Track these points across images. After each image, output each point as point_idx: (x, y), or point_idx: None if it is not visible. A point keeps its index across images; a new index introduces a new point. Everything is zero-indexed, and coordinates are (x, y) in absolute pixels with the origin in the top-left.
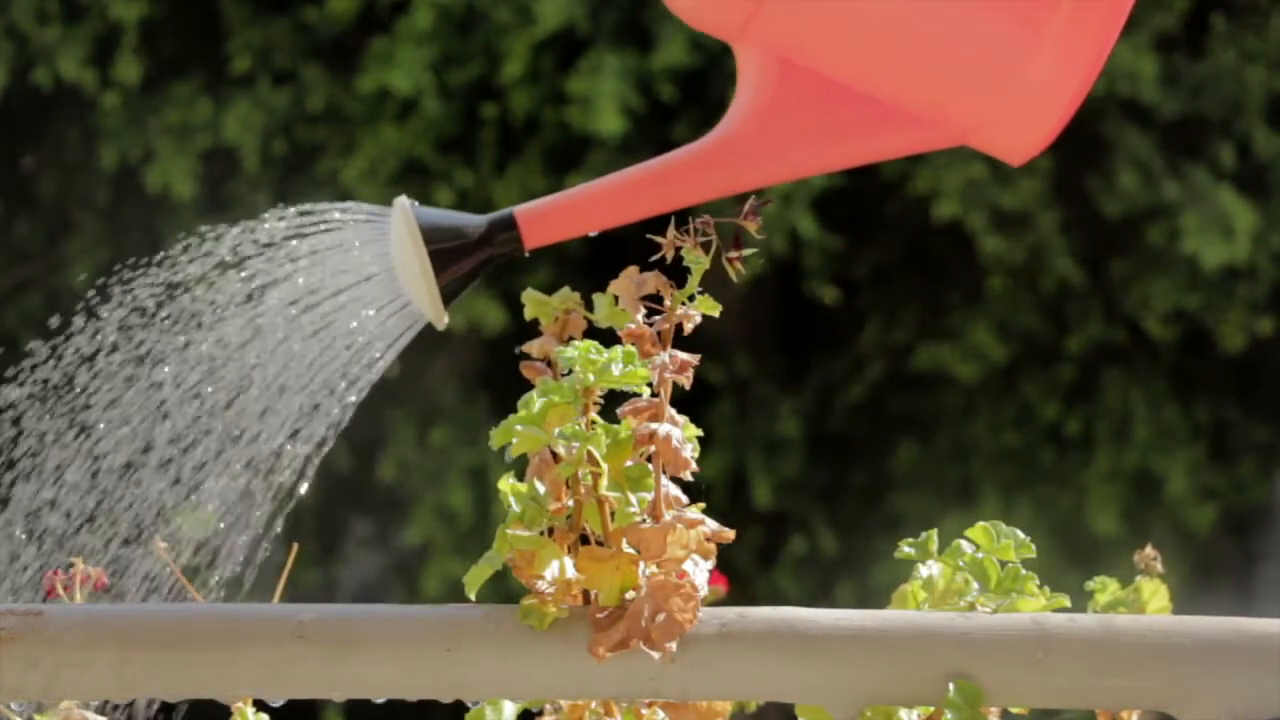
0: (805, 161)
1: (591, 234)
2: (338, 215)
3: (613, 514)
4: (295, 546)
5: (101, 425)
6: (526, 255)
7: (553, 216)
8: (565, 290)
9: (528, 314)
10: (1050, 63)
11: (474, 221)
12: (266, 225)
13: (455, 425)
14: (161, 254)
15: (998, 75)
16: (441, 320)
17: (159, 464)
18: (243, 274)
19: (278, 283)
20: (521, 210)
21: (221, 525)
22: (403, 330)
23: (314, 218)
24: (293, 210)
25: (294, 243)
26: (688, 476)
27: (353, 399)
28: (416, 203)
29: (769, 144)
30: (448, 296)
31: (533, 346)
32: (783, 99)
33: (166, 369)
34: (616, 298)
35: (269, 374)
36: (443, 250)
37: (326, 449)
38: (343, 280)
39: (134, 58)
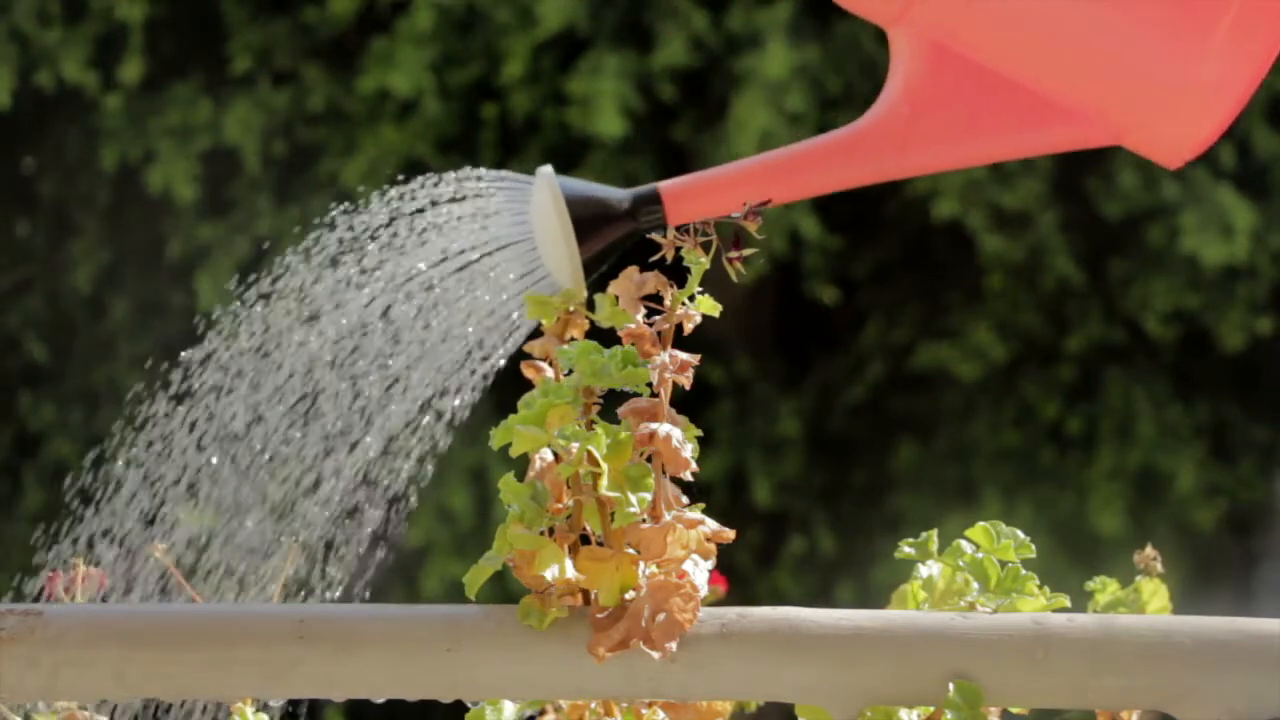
0: (954, 152)
1: (734, 215)
2: (481, 183)
3: (612, 514)
4: (294, 546)
5: (267, 386)
6: (669, 231)
7: (697, 194)
8: (566, 290)
9: (529, 314)
10: (1216, 66)
11: (618, 195)
12: (412, 191)
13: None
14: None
15: (1163, 75)
16: (581, 294)
17: (311, 421)
18: (387, 240)
19: (419, 249)
20: (666, 186)
21: (364, 479)
22: None
23: (457, 185)
24: (439, 177)
25: (436, 209)
26: (687, 476)
27: (489, 369)
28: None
29: (919, 133)
30: (589, 269)
31: (534, 346)
32: (936, 87)
33: (319, 331)
34: (617, 298)
35: (408, 340)
36: (586, 221)
37: (461, 417)
38: (482, 248)
39: (139, 58)
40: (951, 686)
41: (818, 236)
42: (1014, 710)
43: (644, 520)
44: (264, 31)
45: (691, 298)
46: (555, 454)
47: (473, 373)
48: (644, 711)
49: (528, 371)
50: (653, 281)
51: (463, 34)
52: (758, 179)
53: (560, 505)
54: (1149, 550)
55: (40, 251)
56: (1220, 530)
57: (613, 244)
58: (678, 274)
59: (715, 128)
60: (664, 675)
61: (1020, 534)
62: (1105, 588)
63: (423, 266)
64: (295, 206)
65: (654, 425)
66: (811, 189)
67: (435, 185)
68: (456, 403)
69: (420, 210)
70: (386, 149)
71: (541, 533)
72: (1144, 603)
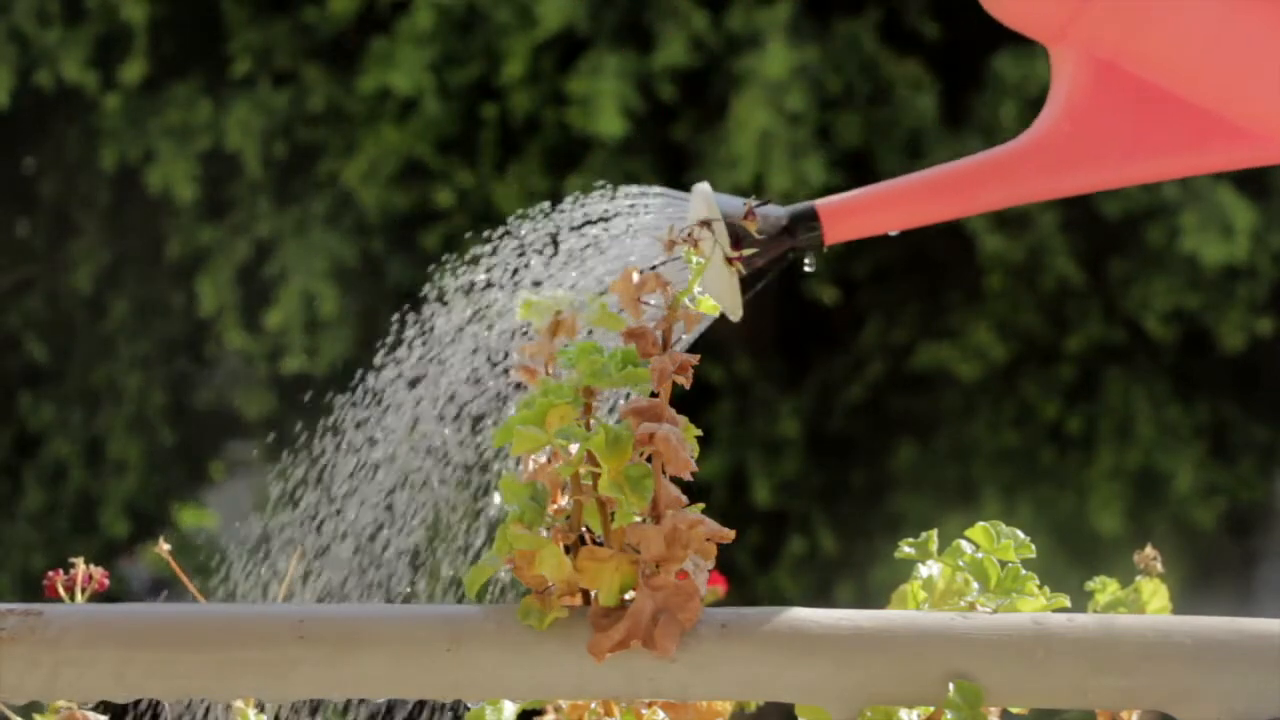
0: (1118, 172)
1: (891, 233)
2: (635, 200)
3: (612, 514)
4: (299, 549)
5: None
6: (825, 250)
7: (854, 213)
8: (559, 292)
9: (520, 316)
10: None
11: (775, 212)
12: (570, 209)
13: None
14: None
15: None
16: (737, 310)
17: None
18: (549, 257)
19: (576, 266)
20: (823, 204)
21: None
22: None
23: (613, 203)
24: (593, 194)
25: (593, 227)
26: (687, 476)
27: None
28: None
29: (1082, 151)
30: (746, 286)
31: (526, 348)
32: (1101, 104)
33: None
34: (607, 301)
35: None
36: (744, 238)
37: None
38: (639, 264)
39: (144, 59)
40: (951, 686)
41: None
42: (1014, 710)
43: (644, 520)
44: (264, 32)
45: (692, 298)
46: (548, 456)
47: (627, 396)
48: (644, 711)
49: (520, 373)
50: (653, 281)
51: (463, 34)
52: (915, 197)
53: (557, 506)
54: (1149, 550)
55: (40, 251)
56: (1220, 530)
57: (770, 262)
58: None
59: (715, 128)
60: (664, 675)
61: (1020, 534)
62: (1105, 588)
63: (578, 285)
64: (295, 207)
65: (654, 425)
66: (970, 207)
67: (590, 203)
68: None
69: (576, 228)
70: (386, 149)
71: (541, 533)
72: (1144, 603)
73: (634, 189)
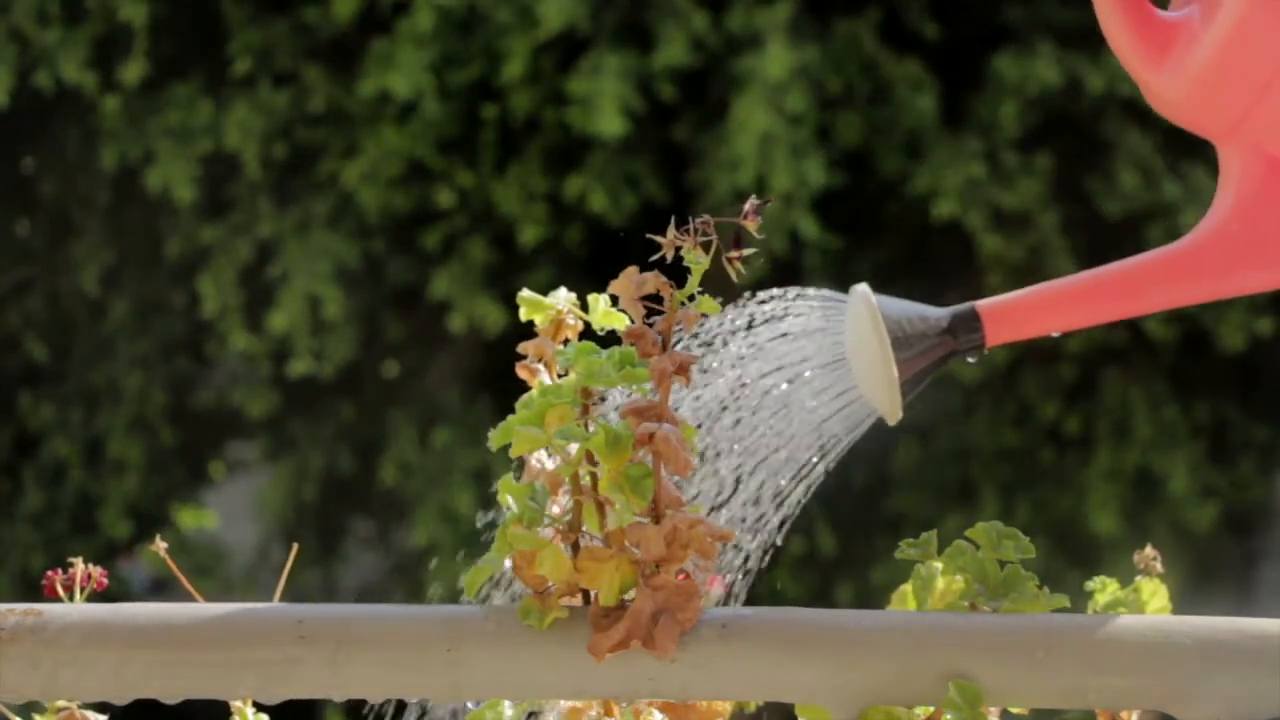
0: None
1: (1054, 334)
2: (791, 302)
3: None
4: (295, 547)
5: None
6: (986, 352)
7: (1017, 314)
8: (561, 291)
9: (522, 315)
10: None
11: (936, 313)
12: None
13: (457, 426)
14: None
15: None
16: (895, 415)
17: None
18: (707, 365)
19: (730, 368)
20: (985, 305)
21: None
22: (854, 424)
23: (769, 305)
24: (748, 296)
25: (755, 329)
26: (687, 476)
27: (799, 491)
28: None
29: (1252, 250)
30: (906, 390)
31: (528, 347)
32: (1270, 203)
33: None
34: (611, 300)
35: (722, 461)
36: (904, 340)
37: (776, 538)
38: (795, 369)
39: (144, 59)
40: (951, 686)
41: (818, 236)
42: (1014, 710)
43: (644, 520)
44: (264, 32)
45: (692, 298)
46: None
47: (776, 502)
48: (644, 712)
49: (523, 373)
50: (653, 281)
51: (463, 34)
52: (1081, 299)
53: (557, 506)
54: (1149, 550)
55: (40, 251)
56: (1220, 530)
57: (930, 365)
58: (678, 274)
59: (715, 128)
60: (664, 675)
61: (1020, 534)
62: (1105, 588)
63: (732, 391)
64: (296, 208)
65: (654, 425)
66: (1138, 309)
67: (756, 304)
68: (773, 519)
69: (734, 333)
70: (387, 150)
71: (541, 533)
72: (1144, 603)
73: (791, 291)
